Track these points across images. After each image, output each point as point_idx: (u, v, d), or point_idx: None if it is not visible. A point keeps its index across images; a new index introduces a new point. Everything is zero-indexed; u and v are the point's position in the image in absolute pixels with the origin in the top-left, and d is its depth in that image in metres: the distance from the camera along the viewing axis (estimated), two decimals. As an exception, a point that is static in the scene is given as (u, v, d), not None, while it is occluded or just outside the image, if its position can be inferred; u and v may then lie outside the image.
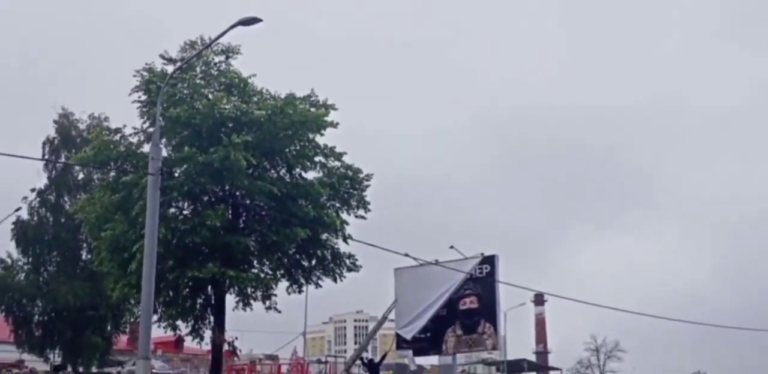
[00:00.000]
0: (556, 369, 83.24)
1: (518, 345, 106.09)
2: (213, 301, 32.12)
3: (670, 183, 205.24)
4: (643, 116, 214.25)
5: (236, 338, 36.71)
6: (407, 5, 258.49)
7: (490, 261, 39.29)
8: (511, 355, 69.95)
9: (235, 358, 45.18)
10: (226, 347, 33.73)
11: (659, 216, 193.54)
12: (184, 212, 31.07)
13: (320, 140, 31.48)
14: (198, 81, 31.43)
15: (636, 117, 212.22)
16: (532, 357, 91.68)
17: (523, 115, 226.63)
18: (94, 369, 44.99)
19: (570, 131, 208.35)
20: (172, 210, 30.64)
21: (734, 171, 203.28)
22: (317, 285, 33.78)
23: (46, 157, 42.13)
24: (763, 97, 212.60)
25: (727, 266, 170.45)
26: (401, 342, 41.14)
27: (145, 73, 30.76)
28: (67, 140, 42.69)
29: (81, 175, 42.41)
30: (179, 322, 32.21)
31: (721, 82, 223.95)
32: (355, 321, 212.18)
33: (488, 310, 39.16)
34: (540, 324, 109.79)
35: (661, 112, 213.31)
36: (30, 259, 42.80)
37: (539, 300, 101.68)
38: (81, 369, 44.14)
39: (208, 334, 32.52)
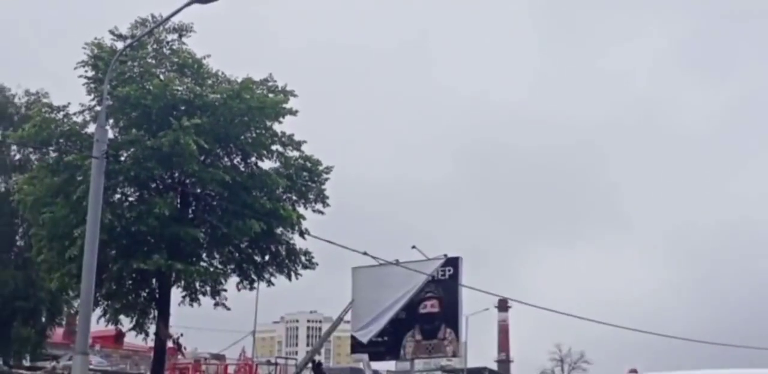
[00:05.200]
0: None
1: (479, 352, 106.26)
2: (158, 295, 31.60)
3: (634, 196, 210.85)
4: (609, 131, 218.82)
5: (182, 334, 36.41)
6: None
7: (453, 263, 39.33)
8: (472, 363, 70.30)
9: (180, 356, 44.87)
10: (170, 343, 33.40)
11: (622, 227, 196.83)
12: (130, 199, 30.49)
13: (278, 128, 31.13)
14: (149, 60, 30.75)
15: (602, 132, 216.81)
16: (494, 366, 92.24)
17: (494, 127, 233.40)
18: (26, 363, 44.36)
19: (536, 144, 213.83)
20: (117, 196, 30.07)
21: (694, 185, 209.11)
22: (269, 283, 33.40)
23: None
24: (724, 119, 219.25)
25: (687, 278, 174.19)
26: (357, 346, 41.07)
27: (93, 48, 30.01)
28: (3, 117, 41.69)
29: (18, 155, 41.46)
30: (122, 316, 31.76)
31: (688, 100, 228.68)
32: (309, 321, 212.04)
33: (450, 315, 39.24)
34: (503, 331, 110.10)
35: (626, 127, 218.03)
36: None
37: (503, 306, 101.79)
38: (12, 363, 43.46)
39: (152, 330, 32.04)
